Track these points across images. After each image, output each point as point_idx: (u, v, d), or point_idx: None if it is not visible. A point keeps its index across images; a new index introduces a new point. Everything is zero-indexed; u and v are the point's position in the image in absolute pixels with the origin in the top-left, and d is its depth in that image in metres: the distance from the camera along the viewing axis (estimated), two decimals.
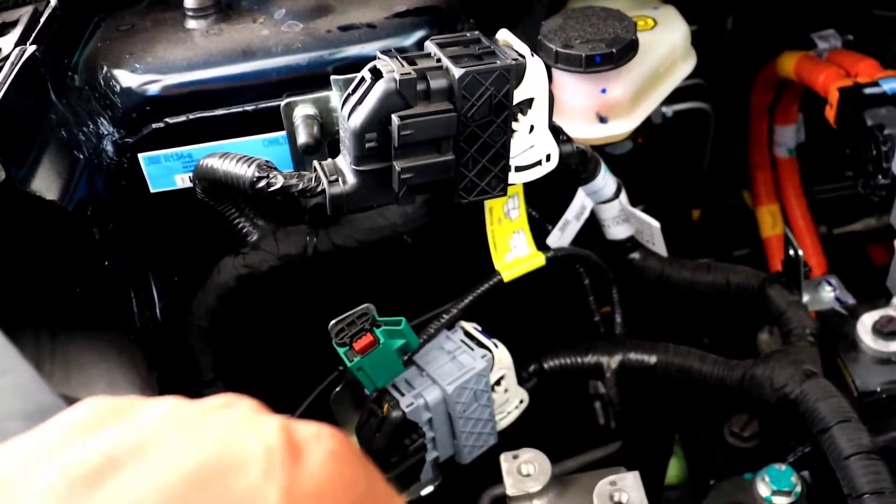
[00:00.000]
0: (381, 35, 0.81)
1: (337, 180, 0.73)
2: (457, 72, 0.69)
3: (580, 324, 1.00)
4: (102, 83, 0.81)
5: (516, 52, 0.73)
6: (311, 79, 0.81)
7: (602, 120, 0.87)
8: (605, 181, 0.89)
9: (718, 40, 1.17)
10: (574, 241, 0.96)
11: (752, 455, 0.98)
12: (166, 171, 0.83)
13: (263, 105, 0.81)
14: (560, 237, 0.92)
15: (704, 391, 0.96)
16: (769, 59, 1.20)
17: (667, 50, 0.91)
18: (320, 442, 0.37)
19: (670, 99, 1.14)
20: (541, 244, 0.94)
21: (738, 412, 1.00)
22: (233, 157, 0.75)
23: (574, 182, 0.89)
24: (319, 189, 0.73)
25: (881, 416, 0.93)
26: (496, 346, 0.87)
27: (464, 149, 0.72)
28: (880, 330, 0.92)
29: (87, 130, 0.80)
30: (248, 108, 0.81)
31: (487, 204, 0.86)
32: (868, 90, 1.01)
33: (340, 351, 0.78)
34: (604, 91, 0.85)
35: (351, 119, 0.70)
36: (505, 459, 0.83)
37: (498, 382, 0.89)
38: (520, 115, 0.74)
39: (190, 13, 0.84)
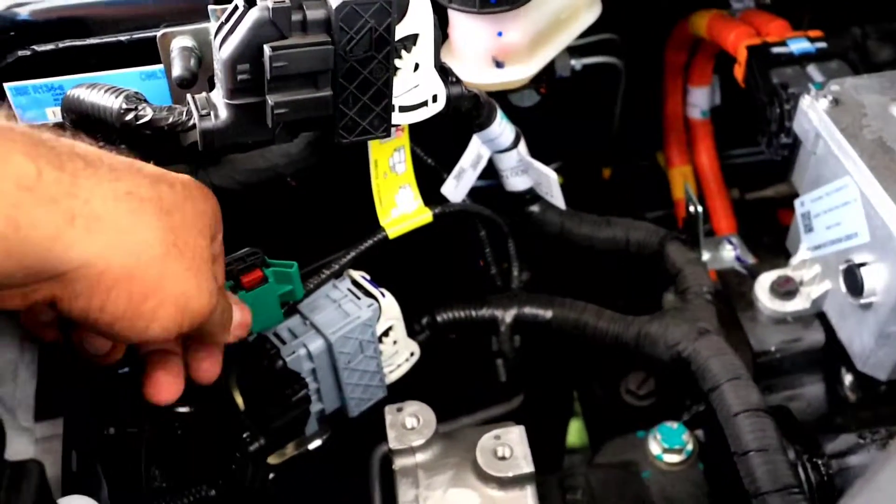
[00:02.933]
0: None
1: (209, 114, 0.69)
2: (334, 2, 0.65)
3: (477, 277, 0.98)
4: None
5: None
6: (190, 9, 0.76)
7: (498, 65, 0.85)
8: (502, 129, 0.87)
9: None
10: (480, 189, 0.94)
11: (648, 413, 0.98)
12: (36, 102, 0.78)
13: (139, 35, 0.77)
14: (456, 186, 0.90)
15: (602, 348, 0.95)
16: (683, 16, 1.19)
17: None
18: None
19: (580, 52, 1.12)
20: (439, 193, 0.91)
21: (636, 370, 0.99)
22: (100, 88, 0.71)
23: (469, 129, 0.86)
24: (190, 123, 0.69)
25: (775, 375, 0.94)
26: (383, 295, 0.85)
27: (343, 85, 0.68)
28: (777, 290, 0.92)
29: None
30: (123, 38, 0.77)
31: (372, 157, 0.83)
32: (776, 49, 1.00)
33: (225, 285, 0.74)
34: (500, 34, 0.82)
35: (222, 49, 0.66)
36: (389, 412, 0.81)
37: (386, 333, 0.87)
38: (403, 52, 0.70)
39: None
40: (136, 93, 0.70)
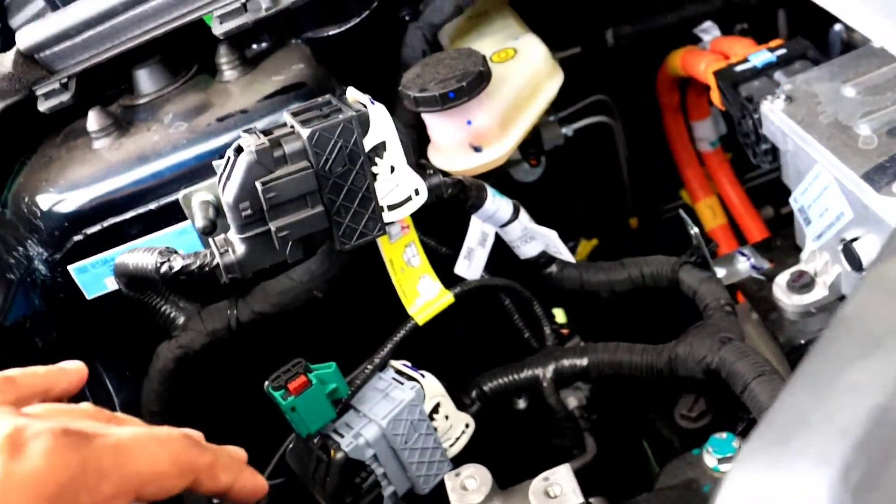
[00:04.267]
0: (255, 118, 0.90)
1: (227, 251, 0.80)
2: (304, 132, 0.77)
3: (515, 344, 1.05)
4: (26, 211, 0.91)
5: (361, 103, 0.81)
6: (200, 169, 0.90)
7: (476, 149, 0.94)
8: (497, 205, 0.95)
9: (604, 55, 1.24)
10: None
11: (706, 433, 1.01)
12: (96, 277, 0.92)
13: (165, 201, 0.90)
14: (469, 266, 0.98)
15: (645, 381, 0.99)
16: (660, 61, 1.27)
17: (527, 74, 0.98)
18: (39, 439, 0.46)
19: (570, 119, 1.21)
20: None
21: (686, 394, 1.03)
22: (138, 251, 0.84)
23: (469, 212, 0.96)
24: (214, 262, 0.81)
25: None
26: (423, 376, 0.93)
27: (331, 199, 0.79)
28: (793, 286, 0.96)
29: (17, 254, 0.90)
30: (153, 206, 0.90)
31: (386, 257, 0.92)
32: (739, 67, 1.07)
33: (276, 394, 0.84)
34: (469, 123, 0.92)
35: (224, 195, 0.78)
36: (448, 478, 0.88)
37: (436, 411, 0.94)
38: (377, 159, 0.81)
39: (94, 135, 0.94)
40: (168, 248, 0.83)
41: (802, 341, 0.95)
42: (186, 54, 1.03)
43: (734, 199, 1.38)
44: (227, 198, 0.78)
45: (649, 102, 1.35)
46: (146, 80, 1.00)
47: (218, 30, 0.91)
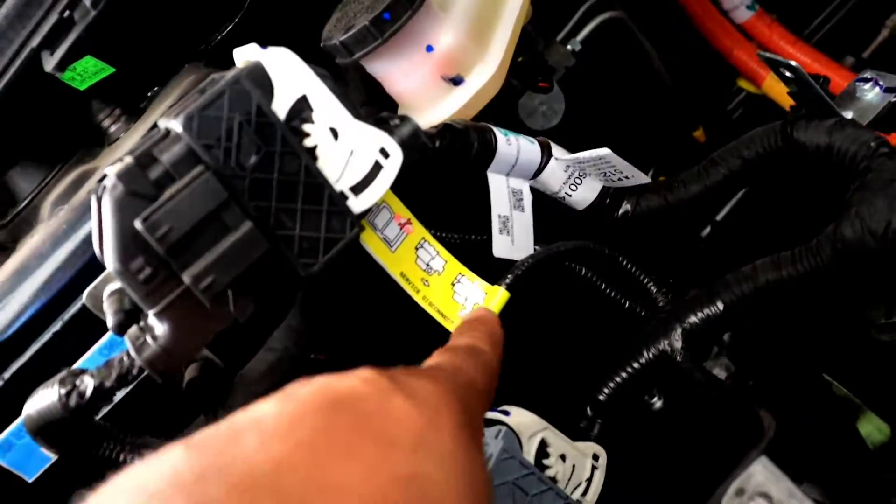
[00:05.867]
0: None
1: (144, 342, 0.53)
2: (177, 125, 0.50)
3: (614, 323, 0.75)
4: None
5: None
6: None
7: (455, 81, 0.66)
8: (516, 147, 0.67)
9: None
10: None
11: None
12: (27, 451, 0.66)
13: (71, 313, 0.64)
14: (511, 241, 0.69)
15: (807, 300, 0.69)
16: None
17: None
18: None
19: (572, 31, 0.94)
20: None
21: (870, 302, 0.72)
22: (38, 391, 0.57)
23: (479, 168, 0.67)
24: (136, 365, 0.54)
25: None
26: (507, 413, 0.63)
27: (261, 206, 0.52)
28: None
29: None
30: (57, 327, 0.64)
31: (394, 273, 0.64)
32: None
33: None
34: (430, 48, 0.65)
35: (105, 261, 0.51)
36: None
37: (544, 454, 0.64)
38: (305, 126, 0.53)
39: None
40: (71, 370, 0.56)
41: None
42: (64, 136, 0.78)
43: (805, 59, 1.08)
44: (111, 264, 0.51)
45: None
46: (21, 183, 0.75)
47: (49, 63, 0.65)
